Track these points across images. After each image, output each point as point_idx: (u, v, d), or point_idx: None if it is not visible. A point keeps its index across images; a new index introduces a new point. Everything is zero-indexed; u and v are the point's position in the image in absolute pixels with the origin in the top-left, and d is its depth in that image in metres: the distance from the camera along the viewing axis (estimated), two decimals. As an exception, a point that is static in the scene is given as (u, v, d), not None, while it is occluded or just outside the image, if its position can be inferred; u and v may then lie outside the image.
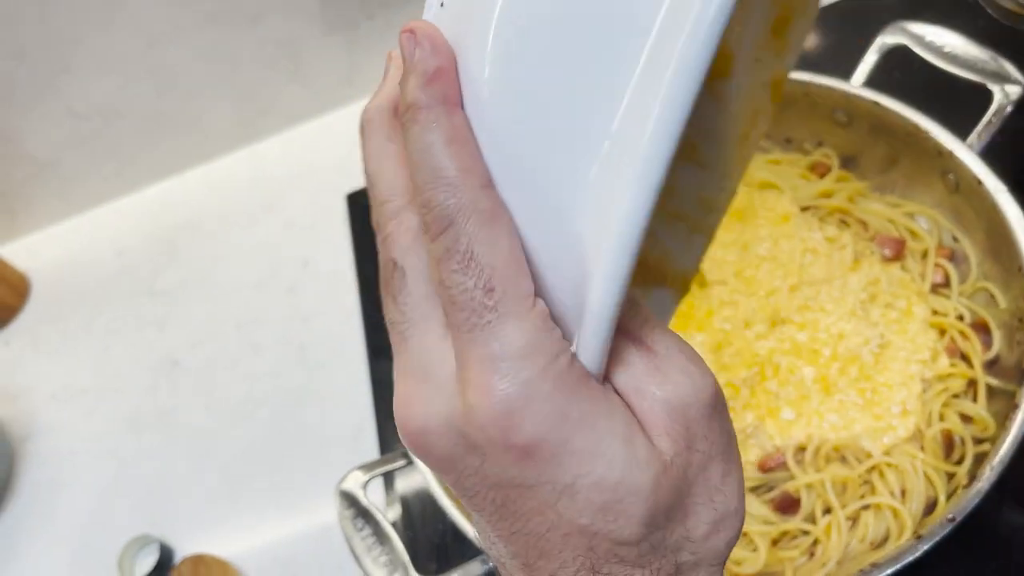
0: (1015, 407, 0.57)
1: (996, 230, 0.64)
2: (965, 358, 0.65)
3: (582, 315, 0.26)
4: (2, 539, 0.90)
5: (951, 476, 0.61)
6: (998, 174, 0.64)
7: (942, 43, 0.70)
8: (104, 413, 0.95)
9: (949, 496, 0.60)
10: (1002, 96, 0.67)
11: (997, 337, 0.64)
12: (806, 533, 0.62)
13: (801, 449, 0.65)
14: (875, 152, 0.73)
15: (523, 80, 0.26)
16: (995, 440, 0.57)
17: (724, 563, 0.30)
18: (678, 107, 0.23)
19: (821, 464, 0.64)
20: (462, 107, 0.27)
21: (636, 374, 0.28)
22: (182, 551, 0.82)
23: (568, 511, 0.26)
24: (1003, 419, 0.58)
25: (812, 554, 0.62)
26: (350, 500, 0.64)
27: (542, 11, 0.25)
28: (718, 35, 0.22)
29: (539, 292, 0.27)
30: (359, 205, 1.00)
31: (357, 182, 1.01)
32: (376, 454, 0.81)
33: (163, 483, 0.88)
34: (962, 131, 0.66)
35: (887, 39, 0.72)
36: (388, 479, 0.79)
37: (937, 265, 0.69)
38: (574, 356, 0.27)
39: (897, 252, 0.71)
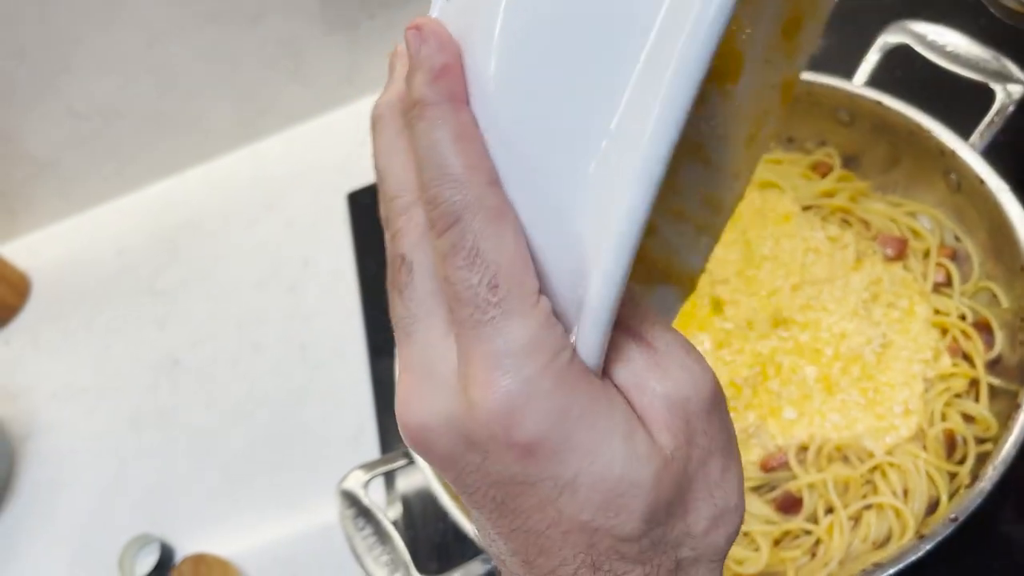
0: (1017, 407, 0.57)
1: (998, 230, 0.64)
2: (967, 358, 0.65)
3: (581, 309, 0.26)
4: (2, 538, 0.90)
5: (953, 476, 0.61)
6: (1000, 173, 0.63)
7: (944, 42, 0.70)
8: (105, 412, 0.95)
9: (951, 496, 0.59)
10: (1004, 95, 0.67)
11: (999, 337, 0.64)
12: (808, 533, 0.62)
13: (803, 449, 0.64)
14: (877, 151, 0.73)
15: (526, 78, 0.26)
16: (997, 440, 0.57)
17: (724, 559, 0.30)
18: (677, 107, 0.23)
19: (823, 464, 0.64)
20: (468, 104, 0.27)
21: (636, 370, 0.28)
22: (183, 550, 0.82)
23: (569, 508, 0.27)
24: (1005, 419, 0.58)
25: (814, 554, 0.61)
26: (351, 499, 0.64)
27: (546, 9, 0.25)
28: (718, 35, 0.22)
29: (541, 288, 0.27)
30: (360, 204, 1.00)
31: (358, 181, 1.01)
32: (377, 453, 0.81)
33: (164, 482, 0.88)
34: (964, 130, 0.66)
35: (889, 38, 0.72)
36: (389, 478, 0.78)
37: (939, 264, 0.69)
38: (575, 352, 0.27)
39: (899, 251, 0.70)
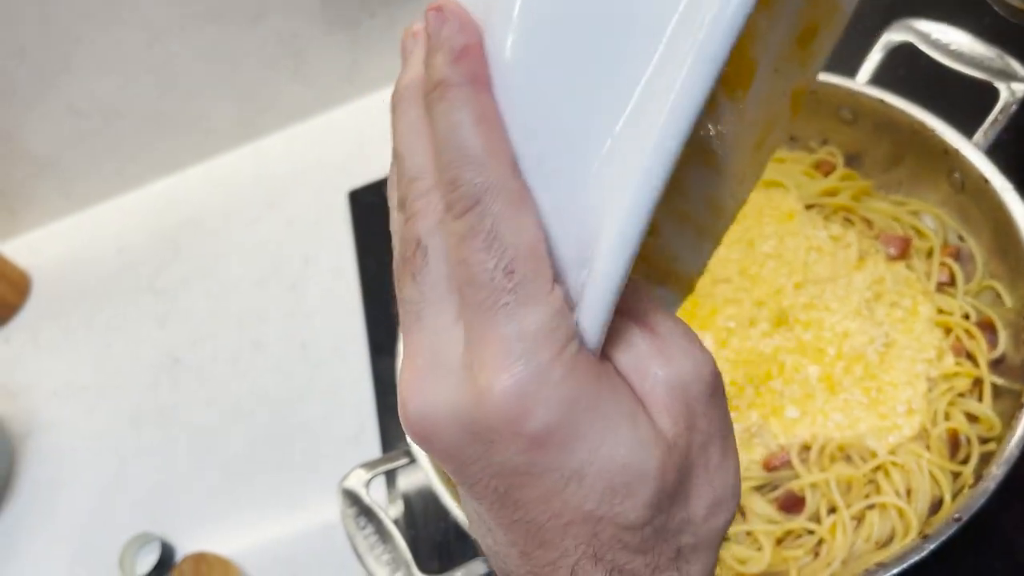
0: (1021, 406, 0.56)
1: (1002, 229, 0.63)
2: (971, 357, 0.65)
3: (584, 291, 0.26)
4: (2, 537, 0.90)
5: (957, 475, 0.61)
6: (1004, 172, 0.63)
7: (948, 41, 0.69)
8: (105, 410, 0.95)
9: (955, 496, 0.59)
10: (1008, 94, 0.67)
11: (1003, 336, 0.64)
12: (811, 532, 0.62)
13: (806, 448, 0.64)
14: (880, 150, 0.73)
15: (542, 65, 0.26)
16: (1001, 439, 0.57)
17: (720, 545, 0.30)
18: (691, 101, 0.23)
19: (826, 463, 0.63)
20: (489, 87, 0.27)
21: (638, 354, 0.28)
22: (183, 549, 0.82)
23: (574, 498, 0.26)
24: (1009, 418, 0.58)
25: (817, 554, 0.61)
26: (352, 498, 0.64)
27: None
28: (736, 31, 0.23)
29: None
30: (361, 203, 0.99)
31: (359, 180, 1.00)
32: (378, 452, 0.81)
33: (164, 481, 0.88)
34: (968, 129, 0.66)
35: (893, 36, 0.72)
36: (390, 477, 0.78)
37: (942, 264, 0.69)
38: (583, 341, 0.27)
39: (902, 251, 0.70)
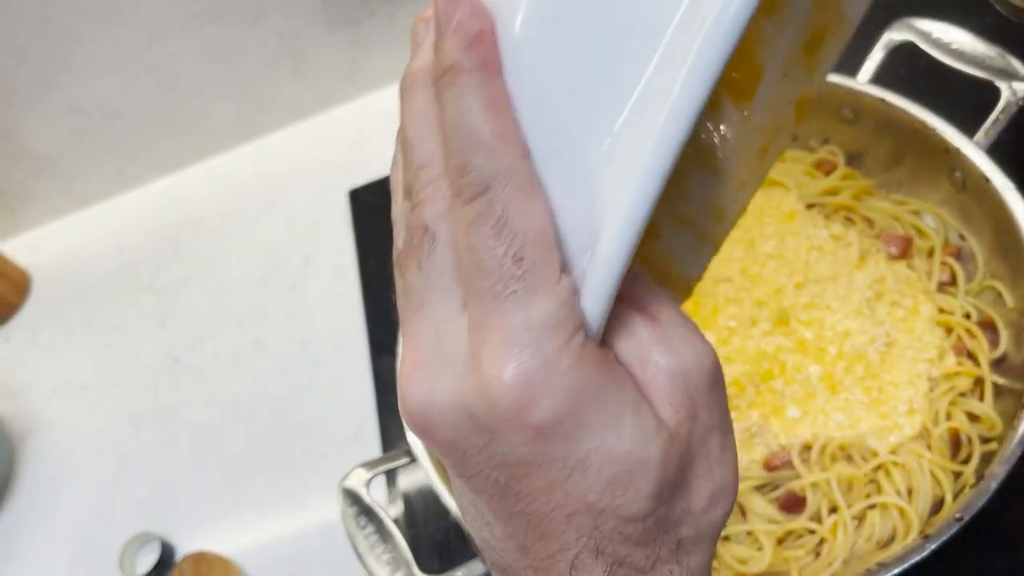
0: (1022, 406, 0.56)
1: (1003, 228, 0.63)
2: (972, 356, 0.65)
3: (586, 276, 0.26)
4: (2, 536, 0.90)
5: (958, 475, 0.61)
6: (1006, 171, 0.63)
7: (949, 40, 0.69)
8: (105, 410, 0.95)
9: (956, 495, 0.59)
10: (1010, 93, 0.67)
11: (1004, 336, 0.64)
12: (812, 532, 0.62)
13: (807, 448, 0.64)
14: (881, 149, 0.73)
15: (550, 51, 0.26)
16: (1002, 439, 0.57)
17: (718, 537, 0.30)
18: (696, 90, 0.23)
19: (827, 463, 0.63)
20: (501, 74, 0.27)
21: (640, 343, 0.28)
22: (183, 548, 0.82)
23: (577, 489, 0.26)
24: (1010, 418, 0.58)
25: (818, 553, 0.61)
26: (353, 498, 0.64)
27: None
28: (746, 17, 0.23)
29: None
30: (361, 202, 0.99)
31: (359, 178, 1.00)
32: (378, 451, 0.81)
33: (164, 480, 0.88)
34: (969, 128, 0.66)
35: (894, 35, 0.72)
36: (390, 477, 0.78)
37: (943, 263, 0.69)
38: (588, 334, 0.26)
39: (903, 250, 0.70)
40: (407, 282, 0.28)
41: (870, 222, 0.73)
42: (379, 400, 0.84)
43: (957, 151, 0.65)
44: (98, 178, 1.11)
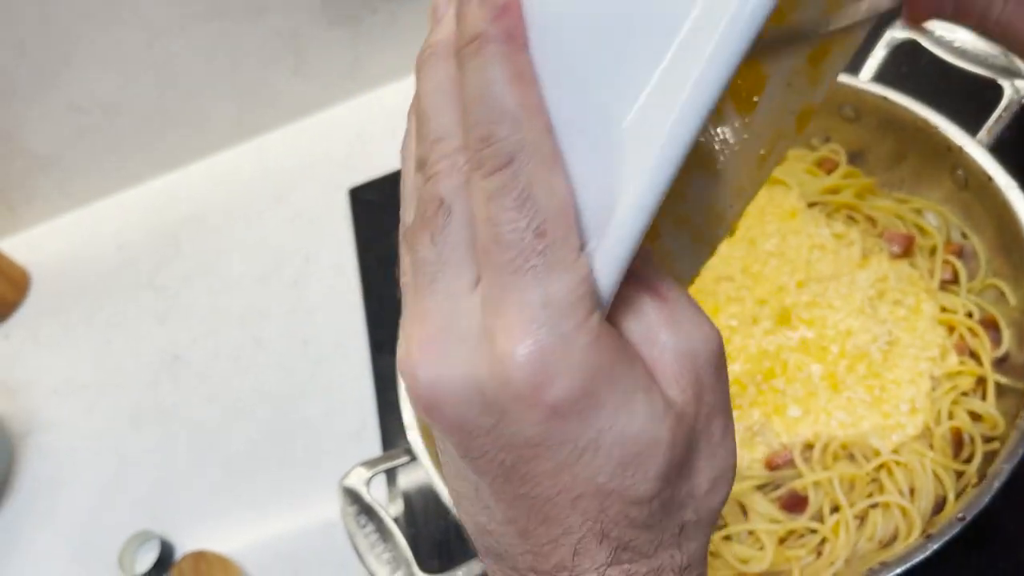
0: (1025, 405, 0.56)
1: (1006, 226, 0.63)
2: (974, 355, 0.65)
3: (598, 249, 0.26)
4: (2, 535, 0.90)
5: (960, 474, 0.61)
6: (1008, 170, 0.63)
7: (952, 38, 0.69)
8: (105, 408, 0.95)
9: (958, 495, 0.59)
10: (1012, 91, 0.67)
11: (1007, 335, 0.64)
12: (814, 532, 0.61)
13: (809, 447, 0.64)
14: (883, 148, 0.72)
15: (576, 26, 0.26)
16: (1004, 438, 0.57)
17: (715, 525, 0.29)
18: (728, 60, 0.24)
19: (829, 462, 0.63)
20: (526, 46, 0.26)
21: (649, 323, 0.27)
22: (183, 547, 0.82)
23: (586, 471, 0.26)
24: (1013, 417, 0.58)
25: (820, 553, 0.61)
26: (353, 496, 0.63)
27: None
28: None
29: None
30: (362, 200, 0.99)
31: (360, 176, 1.00)
32: (379, 450, 0.80)
33: (164, 479, 0.88)
34: (972, 127, 0.66)
35: (896, 34, 0.72)
36: (391, 475, 0.78)
37: (946, 262, 0.69)
38: (601, 311, 0.26)
39: (905, 248, 0.70)
40: (418, 256, 0.27)
41: (872, 220, 0.73)
42: (380, 398, 0.84)
43: (959, 149, 0.65)
44: (98, 176, 1.10)
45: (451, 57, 0.27)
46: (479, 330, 0.26)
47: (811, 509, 0.62)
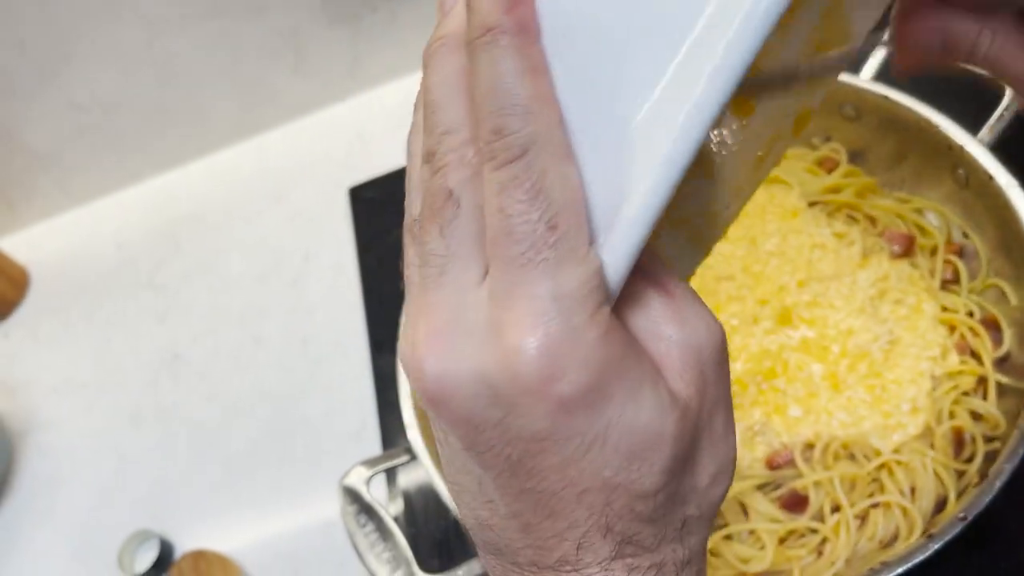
0: (1026, 405, 0.56)
1: (1007, 226, 0.63)
2: (975, 355, 0.65)
3: (606, 242, 0.26)
4: (2, 533, 0.89)
5: (961, 474, 0.60)
6: (1009, 169, 0.63)
7: (953, 37, 0.69)
8: (105, 407, 0.95)
9: (959, 494, 0.59)
10: (1014, 91, 0.66)
11: (1007, 334, 0.64)
12: (814, 531, 0.61)
13: (809, 446, 0.64)
14: (884, 147, 0.72)
15: (588, 19, 0.26)
16: (1006, 438, 0.57)
17: (714, 519, 0.30)
18: (735, 61, 0.24)
19: (829, 462, 0.63)
20: (539, 39, 0.26)
21: (654, 317, 0.27)
22: (183, 546, 0.82)
23: (593, 464, 0.26)
24: (1014, 417, 0.58)
25: (820, 553, 0.61)
26: (353, 496, 0.63)
27: None
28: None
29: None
30: (361, 199, 0.99)
31: (359, 175, 1.00)
32: (379, 449, 0.80)
33: (164, 478, 0.88)
34: (973, 126, 0.65)
35: (897, 32, 0.71)
36: (391, 475, 0.78)
37: (947, 261, 0.68)
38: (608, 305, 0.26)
39: (906, 248, 0.70)
40: (426, 248, 0.27)
41: (873, 220, 0.73)
42: (380, 397, 0.83)
43: (960, 148, 0.65)
44: (98, 174, 1.10)
45: (461, 49, 0.27)
46: (487, 323, 0.26)
47: (812, 509, 0.62)
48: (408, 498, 0.77)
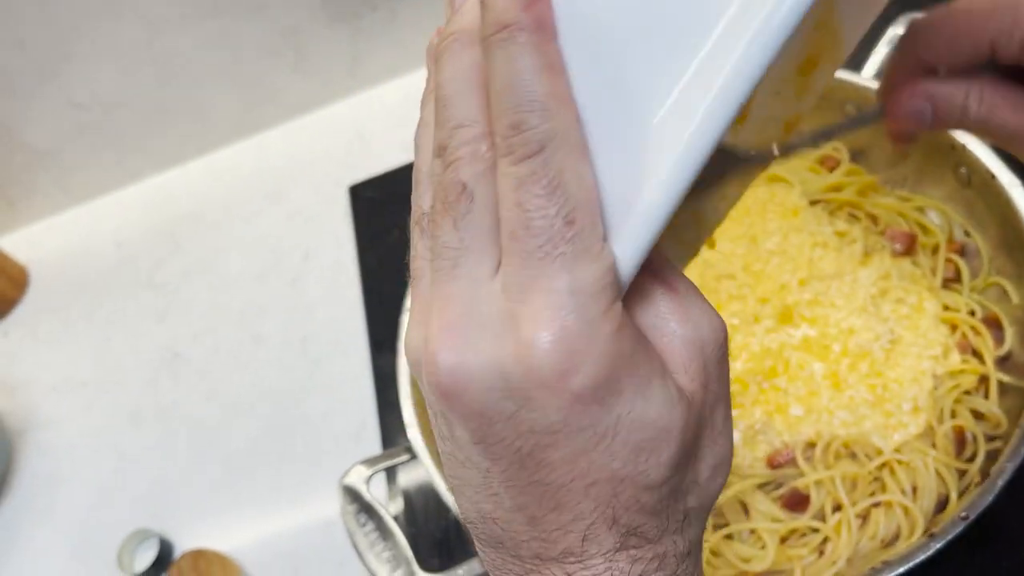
0: (1028, 404, 0.56)
1: (1009, 225, 0.63)
2: (977, 354, 0.65)
3: (618, 239, 0.26)
4: (1, 532, 0.89)
5: (963, 473, 0.60)
6: (1012, 168, 0.63)
7: (954, 35, 0.69)
8: (104, 405, 0.95)
9: (961, 494, 0.59)
10: (1015, 89, 0.66)
11: (1009, 333, 0.64)
12: (815, 531, 0.61)
13: (810, 446, 0.64)
14: (885, 145, 0.72)
15: (605, 20, 0.26)
16: (1007, 437, 0.57)
17: (711, 511, 0.30)
18: (753, 64, 0.24)
19: (831, 461, 0.63)
20: (556, 37, 0.26)
21: (659, 312, 0.28)
22: (182, 545, 0.82)
23: (602, 457, 0.26)
24: (1015, 416, 0.58)
25: (821, 552, 0.61)
26: (353, 495, 0.63)
27: None
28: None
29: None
30: (361, 198, 0.99)
31: (360, 174, 1.00)
32: (378, 448, 0.80)
33: (163, 477, 0.88)
34: (975, 125, 0.65)
35: (899, 30, 0.71)
36: (391, 474, 0.78)
37: (948, 260, 0.68)
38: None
39: (908, 246, 0.70)
40: (440, 241, 0.27)
41: (874, 218, 0.73)
42: (379, 396, 0.83)
43: (963, 147, 0.65)
44: (98, 172, 1.10)
45: (474, 45, 0.27)
46: (501, 316, 0.26)
47: (813, 508, 0.62)
48: (408, 497, 0.76)
